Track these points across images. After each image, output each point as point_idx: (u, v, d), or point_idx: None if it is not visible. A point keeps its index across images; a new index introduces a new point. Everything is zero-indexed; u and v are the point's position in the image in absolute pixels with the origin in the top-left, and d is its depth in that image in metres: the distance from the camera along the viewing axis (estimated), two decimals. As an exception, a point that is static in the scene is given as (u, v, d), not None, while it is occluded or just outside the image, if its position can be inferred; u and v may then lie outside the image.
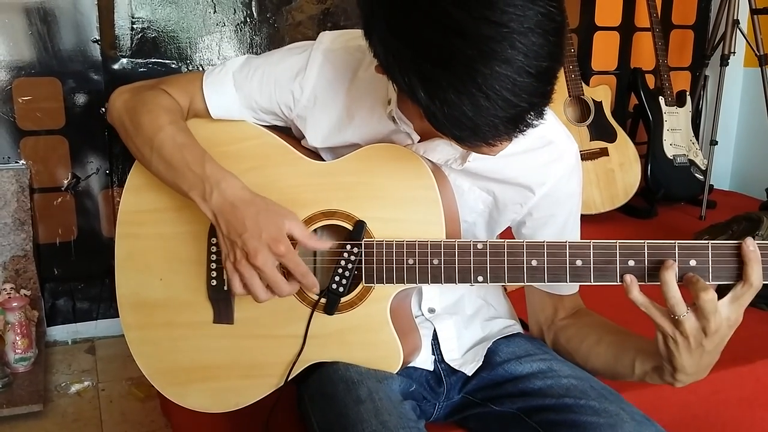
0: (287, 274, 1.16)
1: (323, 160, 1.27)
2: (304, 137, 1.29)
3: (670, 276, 1.02)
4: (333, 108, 1.24)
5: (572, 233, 1.30)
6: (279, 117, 1.29)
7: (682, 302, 1.02)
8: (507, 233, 1.33)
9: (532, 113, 0.92)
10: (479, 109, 0.89)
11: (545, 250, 1.09)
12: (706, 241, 1.03)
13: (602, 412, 1.14)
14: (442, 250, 1.13)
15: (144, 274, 1.32)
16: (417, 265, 1.14)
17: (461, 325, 1.34)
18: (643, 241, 1.05)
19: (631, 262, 1.06)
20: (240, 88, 1.26)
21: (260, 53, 1.31)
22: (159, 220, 1.31)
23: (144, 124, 1.23)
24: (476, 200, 1.27)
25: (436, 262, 1.14)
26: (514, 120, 0.91)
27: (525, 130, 0.95)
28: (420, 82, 0.91)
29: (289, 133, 1.32)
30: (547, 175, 1.23)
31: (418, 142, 1.20)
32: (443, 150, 1.19)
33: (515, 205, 1.26)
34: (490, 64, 0.86)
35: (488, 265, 1.12)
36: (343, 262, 1.19)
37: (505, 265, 1.11)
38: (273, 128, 1.31)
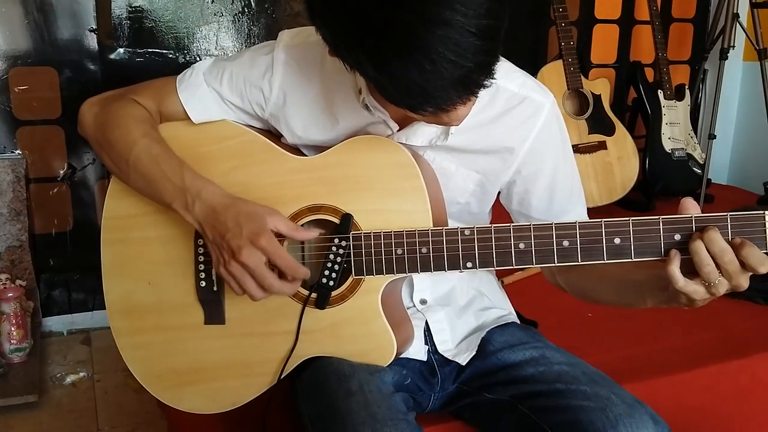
0: (280, 273, 1.15)
1: (305, 156, 1.26)
2: (282, 136, 1.28)
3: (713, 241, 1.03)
4: (304, 104, 1.23)
5: (567, 181, 1.30)
6: (253, 116, 1.28)
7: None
8: (496, 217, 1.32)
9: (479, 73, 0.92)
10: (426, 75, 0.89)
11: (532, 233, 1.10)
12: (690, 215, 1.06)
13: (593, 397, 1.14)
14: (430, 239, 1.13)
15: (132, 279, 1.30)
16: (406, 255, 1.14)
17: (454, 315, 1.34)
18: (627, 218, 1.06)
19: (617, 240, 1.07)
20: (212, 88, 1.26)
21: (258, 44, 1.30)
22: (144, 224, 1.29)
23: (117, 139, 1.23)
24: (465, 180, 1.26)
25: (424, 250, 1.14)
26: (463, 82, 0.91)
27: (477, 92, 0.95)
28: (365, 55, 0.91)
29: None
30: (528, 131, 1.23)
31: (398, 130, 1.20)
32: (424, 131, 1.19)
33: (504, 170, 1.26)
34: (429, 28, 0.86)
35: (476, 251, 1.12)
36: (331, 256, 1.18)
37: (493, 250, 1.11)
38: (255, 127, 1.30)
